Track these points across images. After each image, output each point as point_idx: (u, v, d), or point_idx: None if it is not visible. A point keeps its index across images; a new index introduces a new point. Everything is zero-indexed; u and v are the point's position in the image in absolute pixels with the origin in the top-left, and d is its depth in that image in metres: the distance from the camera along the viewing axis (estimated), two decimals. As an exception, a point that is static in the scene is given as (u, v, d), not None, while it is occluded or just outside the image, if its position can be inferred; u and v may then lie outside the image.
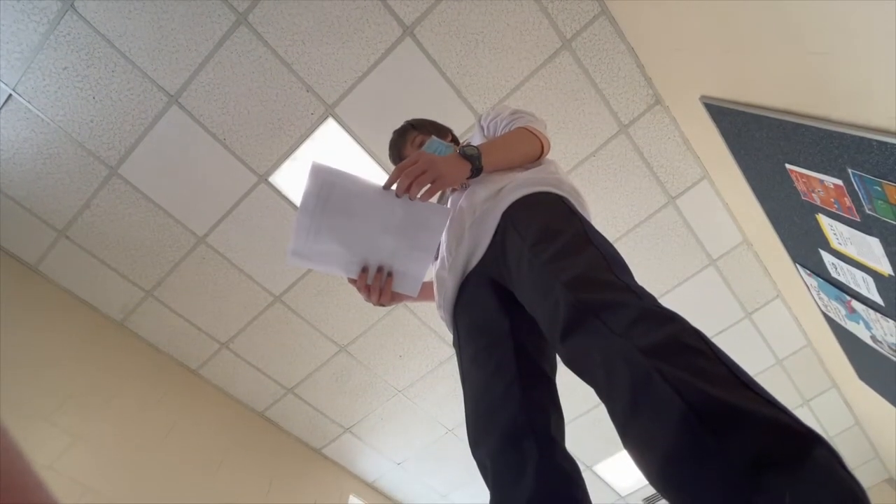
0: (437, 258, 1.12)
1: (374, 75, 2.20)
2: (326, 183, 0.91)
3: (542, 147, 1.09)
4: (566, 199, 0.95)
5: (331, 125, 2.31)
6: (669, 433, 0.49)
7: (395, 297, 1.07)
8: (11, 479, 0.19)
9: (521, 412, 0.78)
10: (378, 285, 1.00)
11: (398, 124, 1.47)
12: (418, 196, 0.90)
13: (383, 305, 1.06)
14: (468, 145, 1.02)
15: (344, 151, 2.38)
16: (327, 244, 0.96)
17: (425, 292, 1.20)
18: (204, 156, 2.33)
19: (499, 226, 0.93)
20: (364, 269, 1.00)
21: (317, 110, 2.27)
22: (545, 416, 0.79)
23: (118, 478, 2.38)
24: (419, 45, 2.14)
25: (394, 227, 0.94)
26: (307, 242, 0.94)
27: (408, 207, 0.92)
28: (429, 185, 0.90)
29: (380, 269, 1.00)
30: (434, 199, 1.27)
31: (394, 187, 0.90)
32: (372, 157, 2.41)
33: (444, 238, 1.06)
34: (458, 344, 0.97)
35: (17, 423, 2.14)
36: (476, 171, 0.98)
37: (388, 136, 1.48)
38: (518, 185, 0.96)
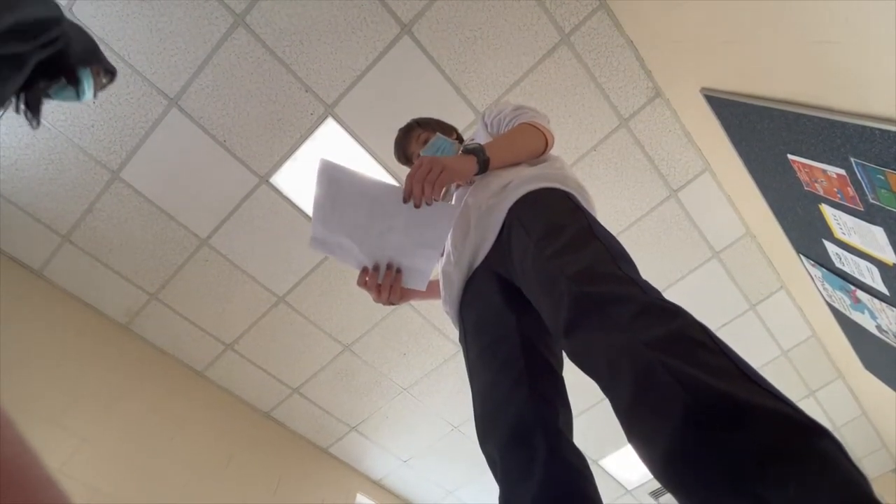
0: (442, 254, 1.13)
1: (373, 74, 2.19)
2: (333, 180, 0.93)
3: (547, 142, 1.10)
4: (571, 194, 0.95)
5: (330, 125, 2.31)
6: (674, 427, 0.49)
7: (404, 295, 1.07)
8: (18, 473, 0.18)
9: (529, 407, 0.78)
10: (388, 283, 1.01)
11: (398, 123, 1.47)
12: (432, 196, 0.90)
13: (392, 304, 1.06)
14: (470, 142, 1.02)
15: (344, 151, 2.38)
16: (339, 238, 0.98)
17: (431, 290, 1.20)
18: (205, 158, 2.34)
19: (505, 221, 0.93)
20: (375, 268, 1.01)
21: (316, 110, 2.27)
22: (553, 410, 0.79)
23: (126, 479, 2.39)
24: (417, 42, 2.13)
25: (400, 225, 0.95)
26: (323, 232, 0.97)
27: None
28: (437, 180, 0.90)
29: (388, 267, 1.01)
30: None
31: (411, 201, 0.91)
32: (372, 155, 2.41)
33: (450, 234, 1.07)
34: (465, 339, 0.98)
35: (25, 427, 2.15)
36: (482, 164, 0.98)
37: (389, 135, 1.48)
38: (523, 180, 0.96)
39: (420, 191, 0.88)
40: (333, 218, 0.95)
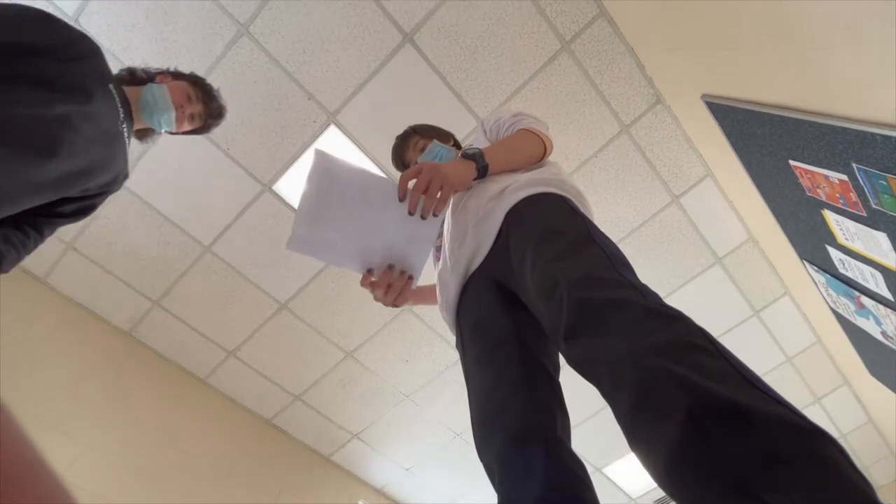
0: (439, 259, 1.13)
1: (375, 82, 2.21)
2: (328, 172, 0.93)
3: (545, 148, 1.10)
4: (569, 199, 0.95)
5: (333, 132, 2.33)
6: (676, 433, 0.49)
7: (403, 296, 1.07)
8: (23, 472, 0.18)
9: (527, 413, 0.78)
10: (399, 285, 1.01)
11: (400, 130, 1.49)
12: (433, 210, 0.91)
13: (396, 306, 1.06)
14: (469, 147, 1.03)
15: (346, 158, 2.39)
16: (327, 233, 0.97)
17: (431, 295, 1.20)
18: (208, 165, 2.35)
19: (502, 226, 0.93)
20: (369, 270, 1.01)
21: (319, 118, 2.28)
22: (551, 417, 0.79)
23: (128, 486, 2.39)
24: (419, 51, 2.15)
25: (391, 219, 0.94)
26: (308, 229, 0.96)
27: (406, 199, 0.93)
28: (439, 194, 0.90)
29: (392, 267, 1.00)
30: None
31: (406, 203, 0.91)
32: (374, 163, 2.42)
33: (446, 239, 1.07)
34: (462, 346, 0.97)
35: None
36: (482, 170, 0.98)
37: (391, 142, 1.49)
38: (521, 185, 0.96)
39: (417, 198, 0.89)
40: (323, 210, 0.94)
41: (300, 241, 0.98)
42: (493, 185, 0.99)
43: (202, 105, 1.30)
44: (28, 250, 1.11)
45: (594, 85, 2.25)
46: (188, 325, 2.81)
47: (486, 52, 2.16)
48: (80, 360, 2.54)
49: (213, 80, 2.14)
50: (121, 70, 1.28)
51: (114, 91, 1.11)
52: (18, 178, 0.90)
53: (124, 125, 1.14)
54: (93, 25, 1.97)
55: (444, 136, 1.43)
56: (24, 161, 0.90)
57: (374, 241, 0.98)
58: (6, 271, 1.08)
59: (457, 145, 1.44)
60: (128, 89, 1.20)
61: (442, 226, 1.15)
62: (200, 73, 2.14)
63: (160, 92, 1.21)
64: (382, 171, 2.44)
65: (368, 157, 2.40)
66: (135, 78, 1.26)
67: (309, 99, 2.23)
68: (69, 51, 1.02)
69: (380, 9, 2.04)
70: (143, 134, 1.29)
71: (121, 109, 1.12)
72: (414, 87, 2.23)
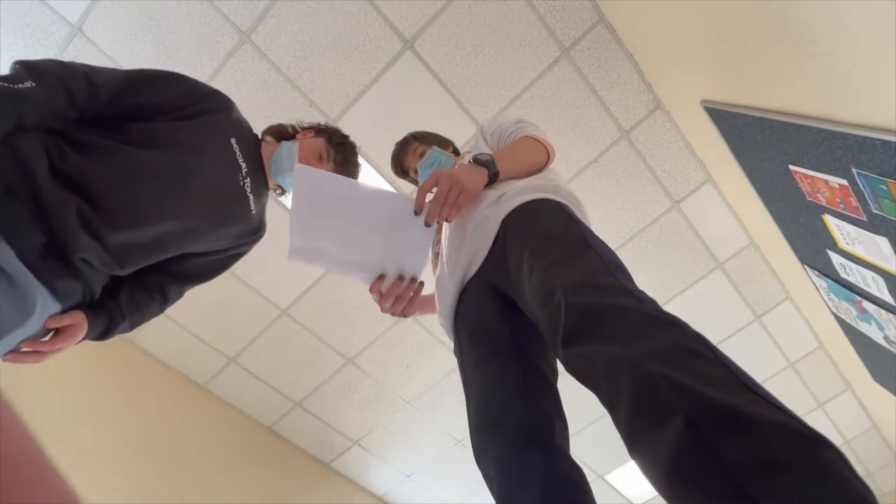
0: (437, 265, 1.13)
1: (376, 89, 2.22)
2: (313, 186, 0.93)
3: (549, 155, 1.11)
4: (565, 205, 0.95)
5: (334, 138, 2.34)
6: (674, 438, 0.49)
7: (414, 306, 1.07)
8: (26, 469, 0.18)
9: (525, 420, 0.78)
10: (408, 295, 1.01)
11: (401, 136, 1.49)
12: (447, 216, 0.92)
13: (405, 316, 1.06)
14: (481, 153, 1.03)
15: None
16: (321, 243, 0.98)
17: (432, 305, 1.20)
18: (209, 172, 2.36)
19: (498, 232, 0.93)
20: (380, 277, 1.01)
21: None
22: (549, 423, 0.79)
23: (127, 493, 2.38)
24: (419, 57, 2.16)
25: (384, 226, 0.95)
26: (304, 241, 0.97)
27: (395, 206, 0.93)
28: (456, 202, 0.92)
29: (402, 278, 1.00)
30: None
31: (422, 214, 0.92)
32: (376, 169, 2.43)
33: (445, 245, 1.07)
34: (460, 352, 0.97)
35: (28, 442, 2.15)
36: (493, 177, 0.99)
37: (391, 149, 1.50)
38: (517, 192, 0.97)
39: (437, 210, 0.90)
40: (313, 223, 0.95)
41: (299, 252, 0.98)
42: (491, 192, 1.00)
43: (332, 165, 1.22)
44: (151, 312, 1.08)
45: (594, 91, 2.26)
46: (188, 331, 2.81)
47: (487, 59, 2.18)
48: (78, 365, 2.54)
49: (215, 87, 2.17)
50: (272, 125, 1.27)
51: (235, 146, 1.06)
52: (104, 243, 0.87)
53: (247, 180, 1.08)
54: (96, 34, 1.98)
55: (444, 143, 1.43)
56: (108, 227, 0.87)
57: (370, 250, 0.98)
58: (128, 331, 1.04)
59: (455, 152, 1.44)
60: (266, 145, 1.18)
61: (441, 231, 1.15)
62: (201, 80, 2.15)
63: (289, 151, 1.17)
64: (384, 176, 2.45)
65: (369, 162, 2.41)
66: (282, 133, 1.25)
67: (310, 106, 2.24)
68: (189, 109, 1.00)
69: (381, 16, 2.06)
70: (281, 191, 1.26)
71: (243, 164, 1.07)
72: (414, 94, 2.24)
